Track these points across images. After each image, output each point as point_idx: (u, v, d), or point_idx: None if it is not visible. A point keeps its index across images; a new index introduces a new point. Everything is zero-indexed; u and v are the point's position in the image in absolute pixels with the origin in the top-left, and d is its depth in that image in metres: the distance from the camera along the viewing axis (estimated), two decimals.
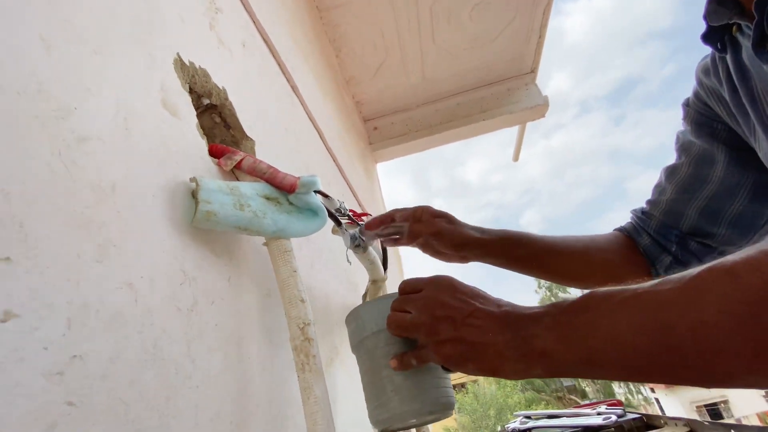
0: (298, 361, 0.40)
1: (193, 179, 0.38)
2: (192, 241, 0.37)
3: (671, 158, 0.59)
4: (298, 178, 0.47)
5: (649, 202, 0.60)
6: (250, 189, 0.43)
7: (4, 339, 0.20)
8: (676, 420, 0.56)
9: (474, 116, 2.08)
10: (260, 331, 0.47)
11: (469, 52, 1.91)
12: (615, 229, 0.62)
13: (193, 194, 0.38)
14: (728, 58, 0.48)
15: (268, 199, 0.45)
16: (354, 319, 0.46)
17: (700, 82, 0.54)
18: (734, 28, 0.46)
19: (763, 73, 0.43)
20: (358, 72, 1.89)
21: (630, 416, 0.68)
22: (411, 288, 0.40)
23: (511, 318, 0.33)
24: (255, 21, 0.68)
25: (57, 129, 0.26)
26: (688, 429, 0.52)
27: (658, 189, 0.59)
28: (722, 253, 0.54)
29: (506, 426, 0.92)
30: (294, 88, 0.82)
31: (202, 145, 0.43)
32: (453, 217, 0.57)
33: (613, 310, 0.28)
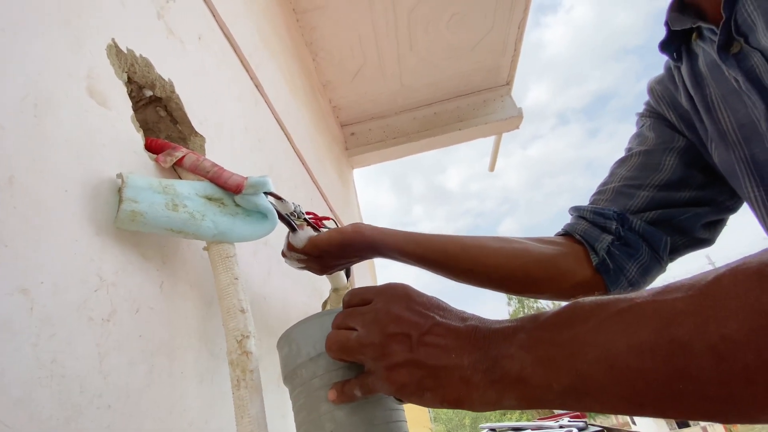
0: (234, 376, 0.37)
1: (119, 175, 0.35)
2: (115, 243, 0.34)
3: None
4: (246, 178, 0.45)
5: (593, 195, 0.56)
6: (188, 188, 0.40)
7: None
8: None
9: (451, 125, 2.10)
10: (199, 341, 0.43)
11: (446, 62, 1.93)
12: (561, 232, 0.56)
13: (119, 191, 0.35)
14: (683, 67, 0.48)
15: (209, 199, 0.42)
16: (286, 342, 0.38)
17: (652, 92, 0.55)
18: (694, 35, 0.47)
19: (722, 78, 0.43)
20: (336, 77, 1.87)
21: (592, 429, 0.68)
22: (358, 299, 0.34)
23: (479, 335, 0.27)
24: (215, 14, 0.65)
25: None
26: None
27: (605, 180, 0.56)
28: (684, 242, 0.50)
29: None
30: (258, 86, 0.79)
31: (137, 139, 0.40)
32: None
33: (606, 324, 0.23)
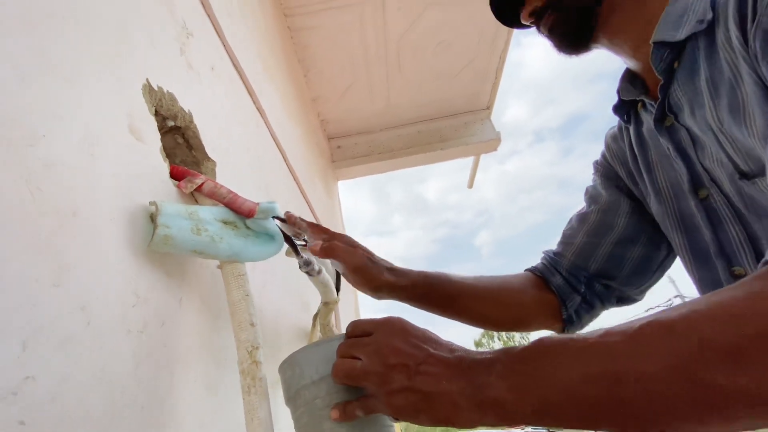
0: (245, 383, 0.42)
1: (152, 203, 0.39)
2: (147, 263, 0.38)
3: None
4: (257, 204, 0.50)
5: (560, 244, 0.66)
6: (208, 213, 0.45)
7: None
8: None
9: (433, 144, 2.19)
10: (208, 353, 0.48)
11: (431, 85, 2.03)
12: (526, 270, 0.67)
13: (152, 218, 0.39)
14: (631, 129, 0.57)
15: (225, 223, 0.47)
16: (290, 366, 0.41)
17: (608, 147, 0.63)
18: (639, 104, 0.55)
19: (659, 144, 0.52)
20: (325, 92, 1.93)
21: None
22: (360, 331, 0.38)
23: (465, 365, 0.32)
24: (225, 44, 0.70)
25: (25, 156, 0.27)
26: None
27: (569, 233, 0.65)
28: (620, 297, 0.63)
29: None
30: (260, 110, 0.84)
31: (164, 168, 0.45)
32: (372, 254, 0.55)
33: (566, 359, 0.28)
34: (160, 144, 0.44)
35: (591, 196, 0.65)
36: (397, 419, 0.35)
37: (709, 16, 0.40)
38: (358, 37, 1.69)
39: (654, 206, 0.55)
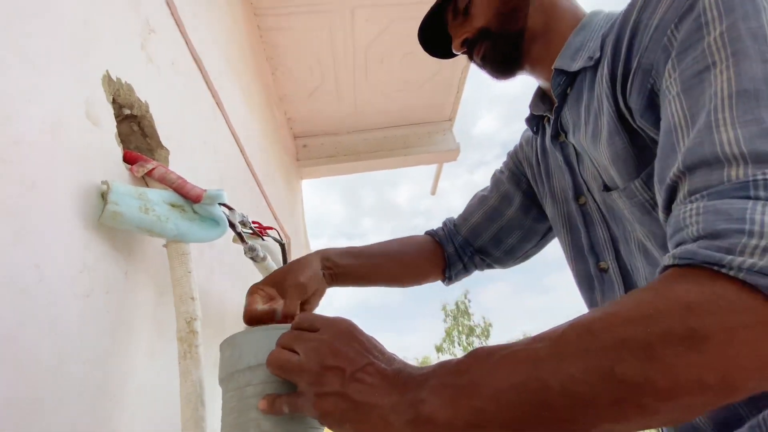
0: (181, 349, 0.47)
1: (104, 182, 0.44)
2: (96, 235, 0.43)
3: None
4: (205, 190, 0.55)
5: (460, 217, 0.77)
6: (157, 195, 0.49)
7: None
8: None
9: (397, 150, 2.28)
10: (152, 324, 0.52)
11: (397, 94, 2.12)
12: (427, 232, 0.78)
13: (103, 195, 0.44)
14: (538, 139, 0.66)
15: (173, 206, 0.52)
16: (229, 347, 0.40)
17: (521, 146, 0.73)
18: (545, 119, 0.64)
19: (555, 156, 0.61)
20: (293, 92, 1.98)
21: None
22: (307, 324, 0.37)
23: (400, 379, 0.31)
24: (187, 42, 0.74)
25: None
26: None
27: (469, 210, 0.76)
28: (489, 266, 0.77)
29: None
30: (219, 104, 0.89)
31: (118, 152, 0.49)
32: (300, 268, 0.57)
33: (493, 368, 0.28)
34: (115, 130, 0.49)
35: (495, 182, 0.76)
36: (321, 424, 0.34)
37: (597, 54, 0.48)
38: (327, 42, 1.76)
39: (549, 208, 0.65)
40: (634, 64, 0.40)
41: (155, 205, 0.48)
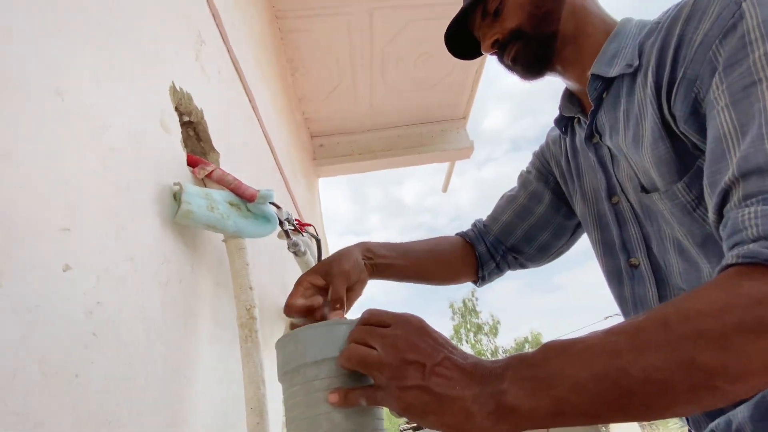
0: (242, 334, 0.52)
1: (177, 183, 0.48)
2: (171, 232, 0.47)
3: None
4: (258, 191, 0.59)
5: (490, 218, 0.79)
6: (219, 196, 0.54)
7: (63, 284, 0.30)
8: None
9: (412, 149, 2.32)
10: (210, 311, 0.57)
11: (412, 93, 2.16)
12: (458, 234, 0.80)
13: (175, 196, 0.48)
14: (568, 139, 0.68)
15: (231, 205, 0.56)
16: (292, 342, 0.41)
17: (548, 145, 0.75)
18: (575, 120, 0.66)
19: (587, 156, 0.63)
20: (311, 92, 2.02)
21: None
22: (376, 320, 0.38)
23: (478, 372, 0.33)
24: (230, 50, 0.79)
25: (100, 141, 0.36)
26: None
27: (499, 210, 0.79)
28: (521, 265, 0.79)
29: None
30: (254, 109, 0.93)
31: (183, 156, 0.54)
32: (344, 257, 0.59)
33: (574, 360, 0.30)
34: (180, 136, 0.53)
35: (523, 182, 0.78)
36: (401, 415, 0.34)
37: (636, 63, 0.50)
38: (345, 43, 1.80)
39: (579, 206, 0.68)
40: (679, 75, 0.43)
41: (219, 204, 0.53)
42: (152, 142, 0.45)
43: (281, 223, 0.65)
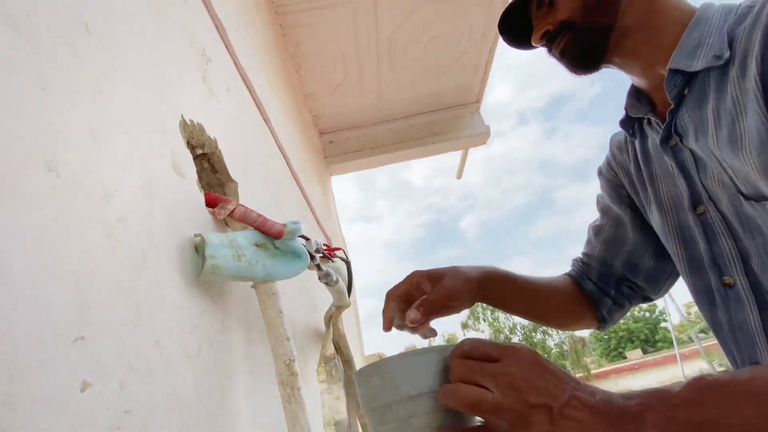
0: (285, 393, 0.46)
1: (198, 235, 0.42)
2: (197, 291, 0.42)
3: (593, 171, 0.73)
4: (285, 225, 0.53)
5: (584, 254, 0.71)
6: (243, 239, 0.48)
7: (85, 406, 0.24)
8: None
9: (424, 139, 2.23)
10: (245, 364, 0.52)
11: (422, 80, 2.05)
12: (564, 274, 0.72)
13: (197, 248, 0.42)
14: (636, 142, 0.60)
15: (257, 246, 0.50)
16: (379, 376, 0.37)
17: (613, 155, 0.67)
18: (645, 121, 0.58)
19: (663, 161, 0.56)
20: (317, 88, 1.94)
21: None
22: (481, 354, 0.34)
23: (612, 412, 0.30)
24: (236, 63, 0.72)
25: (104, 211, 0.30)
26: None
27: (590, 245, 0.71)
28: (644, 297, 0.69)
29: None
30: (266, 120, 0.86)
31: (200, 198, 0.48)
32: (444, 273, 0.54)
33: (732, 407, 0.27)
34: (196, 176, 0.47)
35: (603, 208, 0.70)
36: None
37: (726, 54, 0.44)
38: (350, 35, 1.70)
39: (654, 216, 0.60)
40: None
41: (245, 249, 0.47)
42: (165, 194, 0.39)
43: (311, 257, 0.59)
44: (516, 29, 0.61)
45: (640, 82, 0.56)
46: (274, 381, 0.50)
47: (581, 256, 0.72)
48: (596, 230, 0.70)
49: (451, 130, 2.25)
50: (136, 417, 0.29)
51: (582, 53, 0.54)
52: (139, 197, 0.34)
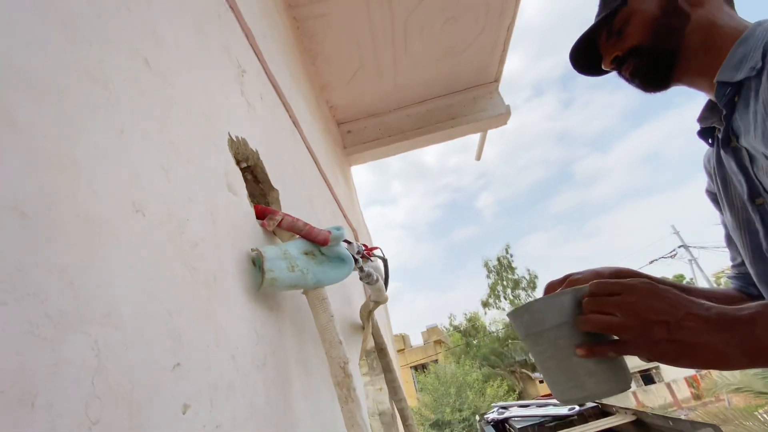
0: (341, 395, 0.49)
1: (254, 249, 0.44)
2: (257, 303, 0.44)
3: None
4: (329, 232, 0.54)
5: (734, 267, 0.71)
6: (294, 249, 0.50)
7: (187, 427, 0.27)
8: (625, 409, 0.71)
9: (443, 123, 2.19)
10: (300, 365, 0.54)
11: (439, 62, 2.01)
12: (734, 289, 0.71)
13: (254, 262, 0.44)
14: (714, 150, 0.63)
15: (306, 254, 0.52)
16: (528, 312, 0.50)
17: (705, 168, 0.69)
18: (717, 130, 0.61)
19: (728, 162, 0.59)
20: (333, 78, 1.92)
21: (589, 405, 0.83)
22: (605, 290, 0.44)
23: (726, 319, 0.37)
24: (266, 70, 0.72)
25: (180, 242, 0.32)
26: (635, 417, 0.67)
27: (731, 256, 0.71)
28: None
29: (485, 415, 1.06)
30: (295, 123, 0.87)
31: (251, 211, 0.49)
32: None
33: None
34: (246, 192, 0.49)
35: (723, 222, 0.70)
36: (650, 361, 0.42)
37: (759, 65, 0.49)
38: (364, 21, 1.67)
39: (728, 216, 0.63)
40: None
41: (297, 260, 0.48)
42: (225, 213, 0.41)
43: (355, 260, 0.60)
44: (583, 58, 0.66)
45: (711, 96, 0.59)
46: (324, 379, 0.52)
47: (733, 271, 0.72)
48: (728, 239, 0.71)
49: (471, 112, 2.21)
50: (224, 428, 0.31)
51: (650, 74, 0.59)
52: (206, 220, 0.36)
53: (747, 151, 0.54)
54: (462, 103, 2.22)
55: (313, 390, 0.57)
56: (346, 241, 0.59)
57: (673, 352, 0.38)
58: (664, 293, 0.41)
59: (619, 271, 0.60)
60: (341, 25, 1.65)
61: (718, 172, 0.63)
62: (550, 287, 0.59)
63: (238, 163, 0.53)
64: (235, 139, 0.49)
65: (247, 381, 0.37)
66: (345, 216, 1.38)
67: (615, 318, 0.41)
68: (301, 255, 0.50)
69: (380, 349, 1.24)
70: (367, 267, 0.66)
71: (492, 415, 1.01)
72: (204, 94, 0.43)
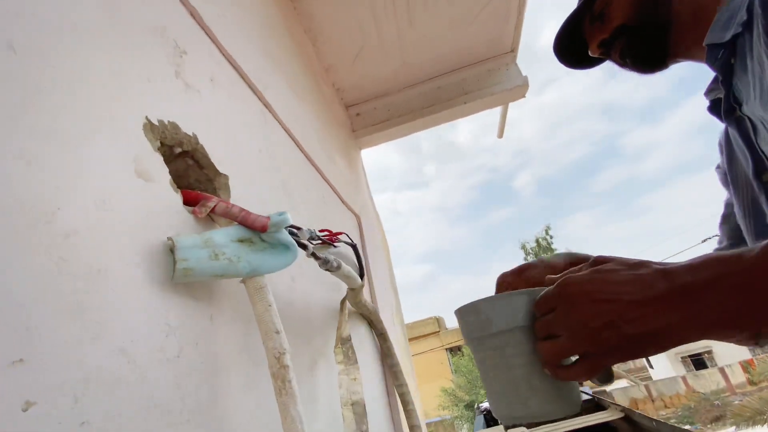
0: (276, 386, 0.47)
1: (169, 239, 0.42)
2: (174, 293, 0.42)
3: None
4: (269, 218, 0.52)
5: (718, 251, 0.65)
6: (223, 237, 0.48)
7: (27, 427, 0.25)
8: (616, 405, 0.65)
9: (456, 99, 2.09)
10: (245, 355, 0.53)
11: (447, 35, 1.90)
12: None
13: (172, 252, 0.43)
14: (725, 127, 0.57)
15: (242, 241, 0.50)
16: (473, 312, 0.45)
17: (719, 147, 0.63)
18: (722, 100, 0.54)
19: (734, 136, 0.53)
20: (337, 59, 1.88)
21: (584, 398, 0.77)
22: (544, 307, 0.39)
23: (678, 295, 0.33)
24: (222, 50, 0.70)
25: (45, 232, 0.30)
26: (622, 414, 0.61)
27: (721, 243, 0.65)
28: None
29: (481, 405, 1.01)
30: (266, 105, 0.84)
31: (177, 198, 0.48)
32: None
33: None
34: (169, 177, 0.47)
35: (726, 191, 0.64)
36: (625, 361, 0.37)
37: (744, 18, 0.43)
38: None
39: (735, 197, 0.57)
40: None
41: (224, 248, 0.46)
42: (128, 202, 0.39)
43: (304, 247, 0.57)
44: (571, 50, 0.63)
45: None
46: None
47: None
48: (723, 219, 0.66)
49: (485, 86, 2.09)
50: (95, 426, 0.30)
51: (642, 52, 0.55)
52: (90, 209, 0.35)
53: (750, 120, 0.48)
54: (475, 76, 2.11)
55: (263, 382, 0.55)
56: (294, 227, 0.57)
57: (637, 348, 0.34)
58: (602, 285, 0.35)
59: (575, 259, 0.53)
60: (338, 2, 1.59)
61: (725, 148, 0.58)
62: (502, 282, 0.54)
63: (171, 148, 0.51)
64: (157, 123, 0.47)
65: (144, 374, 0.35)
66: (343, 201, 1.35)
67: (562, 341, 0.37)
68: (231, 243, 0.48)
69: (380, 334, 1.22)
70: (325, 253, 0.63)
71: (486, 404, 0.96)
72: (111, 75, 0.41)
